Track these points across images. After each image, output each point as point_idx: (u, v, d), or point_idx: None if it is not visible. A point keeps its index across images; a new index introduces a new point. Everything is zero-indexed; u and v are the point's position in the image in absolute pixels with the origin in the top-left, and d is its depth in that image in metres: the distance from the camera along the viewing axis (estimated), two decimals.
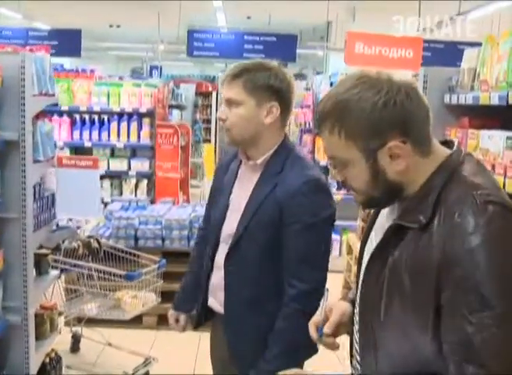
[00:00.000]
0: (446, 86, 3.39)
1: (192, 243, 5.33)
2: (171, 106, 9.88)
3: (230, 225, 2.43)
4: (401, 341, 1.50)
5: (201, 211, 5.63)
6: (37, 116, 3.49)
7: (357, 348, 1.68)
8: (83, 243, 4.46)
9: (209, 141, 15.79)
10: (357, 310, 1.69)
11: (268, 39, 12.12)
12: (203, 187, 7.06)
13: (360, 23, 10.99)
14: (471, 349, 1.35)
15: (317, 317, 1.78)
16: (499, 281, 1.36)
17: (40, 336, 3.67)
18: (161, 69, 15.62)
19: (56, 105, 4.95)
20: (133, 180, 7.36)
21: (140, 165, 7.35)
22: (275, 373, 1.64)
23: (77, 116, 7.33)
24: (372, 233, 1.71)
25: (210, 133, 16.04)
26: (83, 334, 4.90)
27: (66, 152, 7.09)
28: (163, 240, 5.34)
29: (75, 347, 4.90)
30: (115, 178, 7.42)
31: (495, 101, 2.67)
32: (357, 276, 1.73)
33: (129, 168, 7.35)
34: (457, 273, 1.37)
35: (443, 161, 1.53)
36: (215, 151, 11.96)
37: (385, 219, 1.65)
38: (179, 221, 5.33)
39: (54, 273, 3.91)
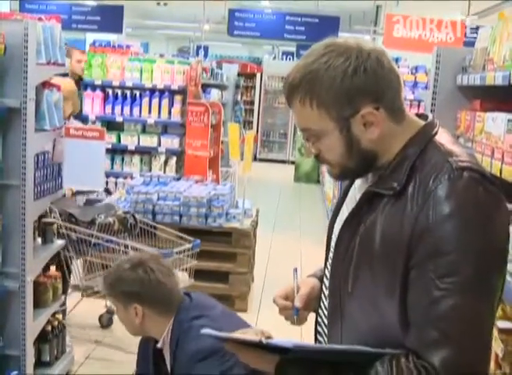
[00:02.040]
0: (460, 67, 3.24)
1: (209, 221, 5.32)
2: (209, 85, 9.86)
3: None
4: (368, 312, 1.47)
5: (222, 190, 5.60)
6: (45, 85, 3.49)
7: (324, 321, 1.66)
8: (119, 219, 4.49)
9: (251, 122, 15.77)
10: (325, 284, 1.66)
11: (310, 20, 11.87)
12: (234, 168, 6.99)
13: (404, 7, 10.69)
14: (436, 314, 1.33)
15: (282, 291, 1.76)
16: (470, 249, 1.34)
17: (41, 304, 3.71)
18: (207, 48, 15.59)
19: (66, 74, 4.94)
20: (163, 157, 7.36)
21: (170, 142, 7.35)
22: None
23: (110, 91, 7.37)
24: (344, 207, 1.66)
25: (253, 114, 15.98)
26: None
27: (98, 126, 7.14)
28: (180, 216, 5.33)
29: (109, 322, 4.88)
30: (145, 154, 7.44)
31: (499, 81, 2.52)
32: (327, 251, 1.69)
33: (159, 144, 7.36)
34: (429, 239, 1.35)
35: (418, 130, 1.51)
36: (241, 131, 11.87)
37: (356, 190, 1.61)
38: (198, 198, 5.31)
39: (59, 242, 3.92)
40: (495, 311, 1.40)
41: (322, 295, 1.69)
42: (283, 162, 15.40)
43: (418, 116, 1.59)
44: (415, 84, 7.50)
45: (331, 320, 1.61)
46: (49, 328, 3.89)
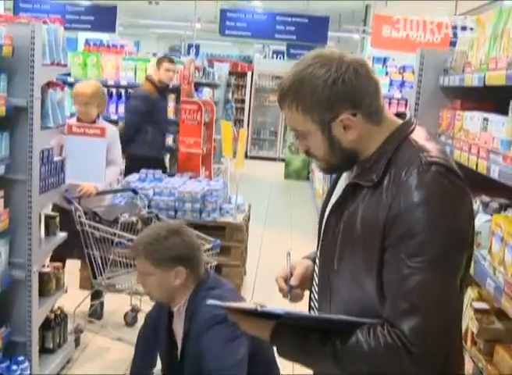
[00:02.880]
0: (442, 68, 3.44)
1: (204, 215, 5.51)
2: (201, 84, 10.02)
3: None
4: (351, 287, 1.68)
5: (215, 186, 5.79)
6: (49, 85, 3.67)
7: (315, 297, 1.87)
8: (142, 218, 4.65)
9: (242, 121, 15.93)
10: (317, 264, 1.87)
11: (300, 20, 12.08)
12: (226, 164, 7.17)
13: (393, 6, 10.90)
14: (406, 289, 1.53)
15: (283, 272, 1.97)
16: (435, 232, 1.53)
17: (45, 293, 3.90)
18: (198, 47, 15.74)
19: (69, 74, 5.11)
20: None
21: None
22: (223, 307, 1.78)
23: (105, 90, 7.51)
24: (333, 195, 1.86)
25: (243, 113, 16.16)
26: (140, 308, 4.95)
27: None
28: (176, 211, 5.51)
29: (133, 320, 4.95)
30: None
31: (475, 82, 2.72)
32: (319, 235, 1.89)
33: None
34: (400, 224, 1.55)
35: (396, 129, 1.70)
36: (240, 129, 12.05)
37: (343, 181, 1.81)
38: (192, 194, 5.49)
39: (61, 235, 4.10)
40: (458, 286, 1.60)
41: (315, 274, 1.90)
42: (273, 159, 15.58)
43: (398, 115, 1.78)
44: (403, 83, 7.66)
45: (321, 294, 1.81)
46: (52, 317, 4.08)
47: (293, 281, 1.92)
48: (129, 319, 4.94)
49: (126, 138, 6.08)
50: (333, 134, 1.67)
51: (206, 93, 10.09)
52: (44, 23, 3.60)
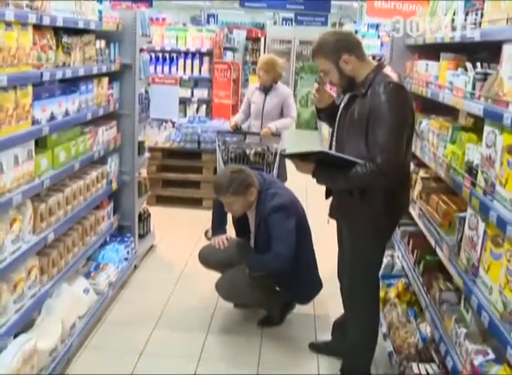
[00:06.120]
0: (407, 33, 4.85)
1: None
2: (225, 48, 11.38)
3: None
4: (353, 147, 3.13)
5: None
6: (140, 50, 5.12)
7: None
8: (258, 152, 5.76)
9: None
10: (333, 143, 3.34)
11: None
12: None
13: None
14: (378, 142, 2.97)
15: None
16: (392, 115, 2.96)
17: (139, 193, 5.37)
18: (217, 17, 17.01)
19: (150, 42, 6.53)
20: (195, 105, 9.01)
21: (201, 93, 9.03)
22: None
23: (153, 54, 8.94)
24: (338, 112, 3.36)
25: None
26: None
27: None
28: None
29: None
30: (181, 103, 9.02)
31: (421, 42, 4.16)
32: (333, 128, 3.39)
33: (192, 95, 9.05)
34: (375, 112, 3.00)
35: (374, 66, 3.20)
36: None
37: (347, 98, 3.29)
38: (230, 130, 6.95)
39: (146, 155, 5.59)
40: (405, 145, 3.05)
41: (333, 143, 3.34)
42: None
43: (378, 61, 3.28)
44: None
45: (337, 150, 3.27)
46: (142, 211, 5.59)
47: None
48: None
49: None
50: (341, 68, 3.16)
51: (229, 56, 11.44)
52: (138, 7, 5.04)
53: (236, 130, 6.16)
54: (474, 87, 2.88)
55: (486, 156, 2.51)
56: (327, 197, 3.49)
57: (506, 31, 2.35)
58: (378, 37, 9.02)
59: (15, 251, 2.99)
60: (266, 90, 6.11)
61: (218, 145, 5.87)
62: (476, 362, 2.50)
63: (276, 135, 5.86)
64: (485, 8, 2.71)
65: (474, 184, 2.66)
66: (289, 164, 3.64)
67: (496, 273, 2.36)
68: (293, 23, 18.20)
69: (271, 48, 17.22)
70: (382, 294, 4.29)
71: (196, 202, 7.09)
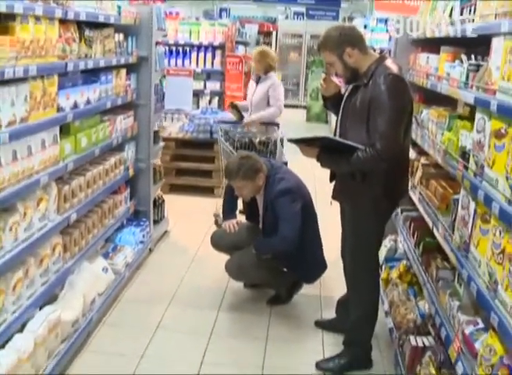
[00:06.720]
0: (410, 28, 5.03)
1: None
2: (237, 42, 11.58)
3: None
4: (355, 134, 3.32)
5: None
6: (156, 43, 5.33)
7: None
8: (261, 141, 5.82)
9: None
10: (337, 130, 3.54)
11: None
12: None
13: None
14: (378, 129, 3.17)
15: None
16: (392, 104, 3.16)
17: (154, 180, 5.58)
18: (229, 11, 17.18)
19: (165, 36, 6.75)
20: (208, 97, 9.22)
21: (213, 85, 9.25)
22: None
23: (167, 48, 9.15)
24: (345, 96, 3.55)
25: None
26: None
27: None
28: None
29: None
30: (194, 95, 9.22)
31: (422, 37, 4.35)
32: (337, 117, 3.59)
33: (205, 87, 9.26)
34: (375, 101, 3.20)
35: (376, 58, 3.38)
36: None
37: (350, 88, 3.48)
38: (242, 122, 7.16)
39: (161, 144, 5.81)
40: (403, 133, 3.24)
41: (337, 131, 3.54)
42: (296, 106, 16.89)
43: (380, 54, 3.48)
44: None
45: (340, 137, 3.46)
46: (156, 198, 5.82)
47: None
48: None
49: None
50: (344, 60, 3.35)
51: (241, 49, 11.64)
52: (154, 2, 5.25)
53: (233, 107, 6.39)
54: (467, 78, 3.08)
55: (477, 141, 2.71)
56: (331, 180, 3.69)
57: (494, 26, 2.54)
58: (387, 31, 9.18)
59: (41, 227, 3.22)
60: (257, 80, 6.40)
61: (221, 135, 6.08)
62: (467, 331, 2.69)
63: (269, 125, 6.17)
64: (477, 5, 2.90)
65: (466, 167, 2.86)
66: (293, 150, 3.81)
67: (483, 247, 2.56)
68: (305, 18, 18.36)
69: (282, 42, 17.40)
70: (384, 275, 4.51)
71: (208, 191, 7.30)
